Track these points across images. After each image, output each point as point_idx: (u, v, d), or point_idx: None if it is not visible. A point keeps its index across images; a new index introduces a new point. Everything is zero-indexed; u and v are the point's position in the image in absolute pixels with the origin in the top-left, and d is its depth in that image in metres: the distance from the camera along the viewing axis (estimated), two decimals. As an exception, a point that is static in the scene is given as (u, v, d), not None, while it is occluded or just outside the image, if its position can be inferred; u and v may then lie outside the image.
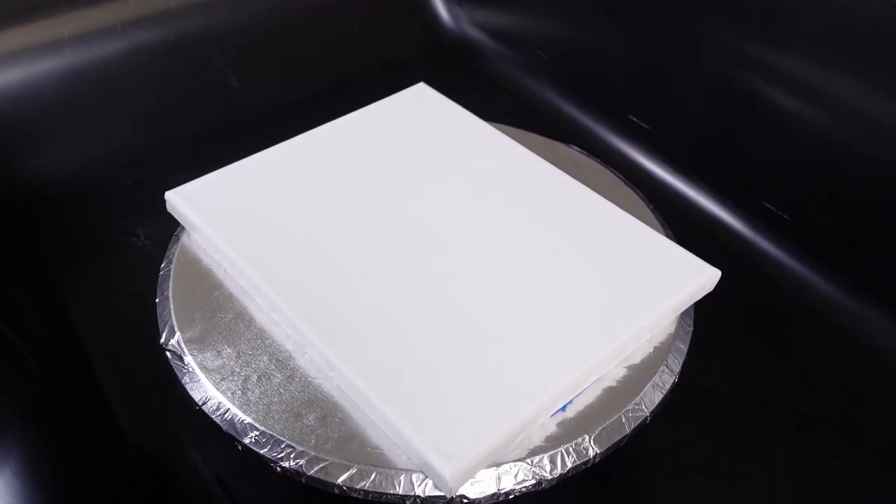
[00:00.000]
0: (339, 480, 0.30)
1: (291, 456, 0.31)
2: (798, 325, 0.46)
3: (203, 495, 0.37)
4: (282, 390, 0.33)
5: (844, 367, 0.44)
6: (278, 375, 0.33)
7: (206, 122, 0.49)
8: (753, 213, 0.51)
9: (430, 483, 0.30)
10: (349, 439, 0.31)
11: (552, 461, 0.31)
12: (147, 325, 0.37)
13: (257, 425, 0.31)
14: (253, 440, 0.31)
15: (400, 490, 0.30)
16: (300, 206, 0.39)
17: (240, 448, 0.32)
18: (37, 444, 0.36)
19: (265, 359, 0.34)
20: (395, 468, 0.30)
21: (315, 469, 0.30)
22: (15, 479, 0.34)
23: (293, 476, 0.31)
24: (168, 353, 0.35)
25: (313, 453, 0.31)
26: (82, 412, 0.39)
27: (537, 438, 0.32)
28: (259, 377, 0.33)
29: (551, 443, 0.32)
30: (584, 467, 0.32)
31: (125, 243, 0.47)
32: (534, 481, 0.31)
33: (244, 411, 0.32)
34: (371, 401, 0.31)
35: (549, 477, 0.31)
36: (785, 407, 0.41)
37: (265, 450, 0.31)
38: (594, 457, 0.32)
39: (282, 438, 0.31)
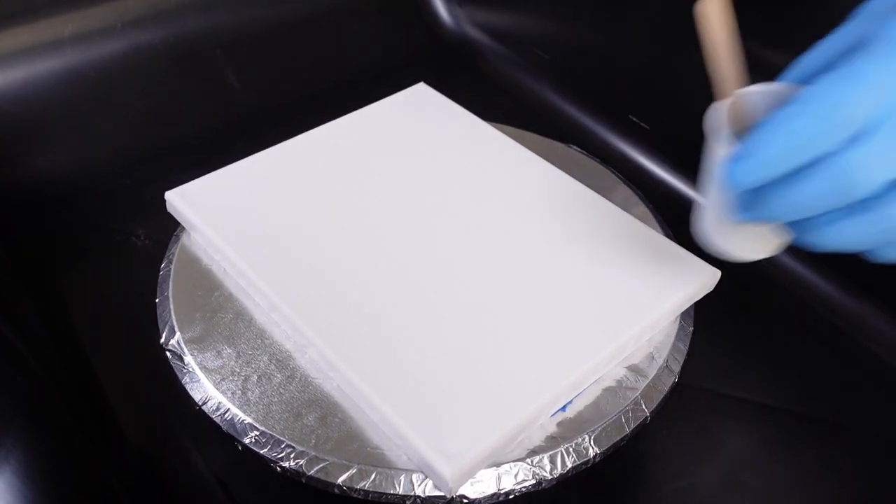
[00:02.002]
0: (340, 480, 0.30)
1: (291, 456, 0.31)
2: (798, 325, 0.46)
3: (203, 495, 0.37)
4: (282, 390, 0.33)
5: (844, 367, 0.44)
6: (278, 375, 0.33)
7: (206, 122, 0.49)
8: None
9: (429, 483, 0.30)
10: (349, 439, 0.31)
11: (552, 461, 0.31)
12: (147, 325, 0.37)
13: (257, 425, 0.31)
14: (253, 440, 0.31)
15: (400, 490, 0.30)
16: (300, 206, 0.39)
17: (240, 448, 0.32)
18: (37, 444, 0.36)
19: (265, 359, 0.34)
20: (395, 468, 0.30)
21: (315, 469, 0.30)
22: (15, 479, 0.34)
23: (293, 476, 0.31)
24: (168, 353, 0.35)
25: (313, 453, 0.31)
26: (82, 412, 0.39)
27: (537, 438, 0.32)
28: (259, 377, 0.33)
29: (551, 443, 0.32)
30: (584, 467, 0.32)
31: (125, 243, 0.47)
32: (534, 481, 0.31)
33: (244, 411, 0.32)
34: (371, 401, 0.31)
35: (549, 477, 0.31)
36: (785, 407, 0.41)
37: (265, 450, 0.31)
38: (594, 457, 0.32)
39: (282, 438, 0.31)
